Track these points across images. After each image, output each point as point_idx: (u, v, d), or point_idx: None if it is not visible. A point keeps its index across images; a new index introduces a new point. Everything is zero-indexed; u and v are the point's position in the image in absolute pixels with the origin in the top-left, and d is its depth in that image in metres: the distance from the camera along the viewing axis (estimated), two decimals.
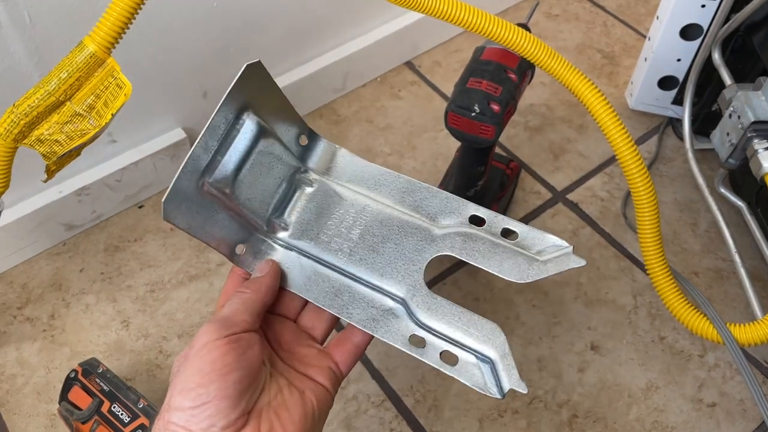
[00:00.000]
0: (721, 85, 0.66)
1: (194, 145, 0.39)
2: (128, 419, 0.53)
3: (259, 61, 0.41)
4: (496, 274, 0.40)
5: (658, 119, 0.83)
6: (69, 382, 0.56)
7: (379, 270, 0.42)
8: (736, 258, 0.65)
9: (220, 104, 0.39)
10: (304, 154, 0.45)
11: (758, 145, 0.61)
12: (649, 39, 0.76)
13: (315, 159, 0.46)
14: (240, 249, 0.42)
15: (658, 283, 0.59)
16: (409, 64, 0.91)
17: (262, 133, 0.42)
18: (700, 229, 0.74)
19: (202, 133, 0.39)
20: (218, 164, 0.40)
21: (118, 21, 0.41)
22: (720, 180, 0.73)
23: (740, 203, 0.70)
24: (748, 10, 0.63)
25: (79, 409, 0.54)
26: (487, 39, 0.54)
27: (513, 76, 0.56)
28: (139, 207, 0.75)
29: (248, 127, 0.41)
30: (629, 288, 0.69)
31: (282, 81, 0.79)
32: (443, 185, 0.71)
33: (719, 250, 0.72)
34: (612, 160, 0.80)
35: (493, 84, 0.55)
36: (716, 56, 0.69)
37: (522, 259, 0.40)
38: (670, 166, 0.79)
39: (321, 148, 0.46)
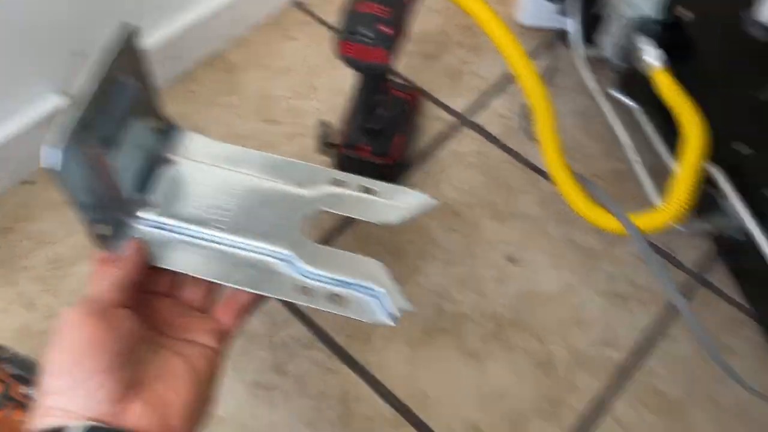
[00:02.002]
0: None
1: (74, 99, 0.37)
2: None
3: (134, 29, 0.41)
4: (366, 219, 0.46)
5: (550, 33, 0.85)
6: None
7: (259, 233, 0.44)
8: (633, 156, 0.68)
9: (97, 57, 0.39)
10: (163, 139, 0.47)
11: (642, 43, 0.63)
12: None
13: (174, 144, 0.47)
14: (105, 230, 0.41)
15: (562, 187, 0.61)
16: (298, 4, 0.88)
17: (136, 102, 0.42)
18: (598, 134, 0.76)
19: (81, 86, 0.38)
20: (98, 123, 0.39)
21: None
22: (612, 84, 0.75)
23: (633, 104, 0.73)
24: None
25: None
26: None
27: None
28: (28, 183, 0.70)
29: (126, 91, 0.41)
30: (538, 198, 0.71)
31: (162, 32, 0.74)
32: (347, 122, 0.70)
33: (618, 152, 0.74)
34: (511, 78, 0.81)
35: (381, 6, 0.54)
36: None
37: (385, 207, 0.47)
38: (565, 77, 0.81)
39: (178, 134, 0.48)
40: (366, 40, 0.54)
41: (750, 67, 0.54)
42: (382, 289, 0.42)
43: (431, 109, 0.78)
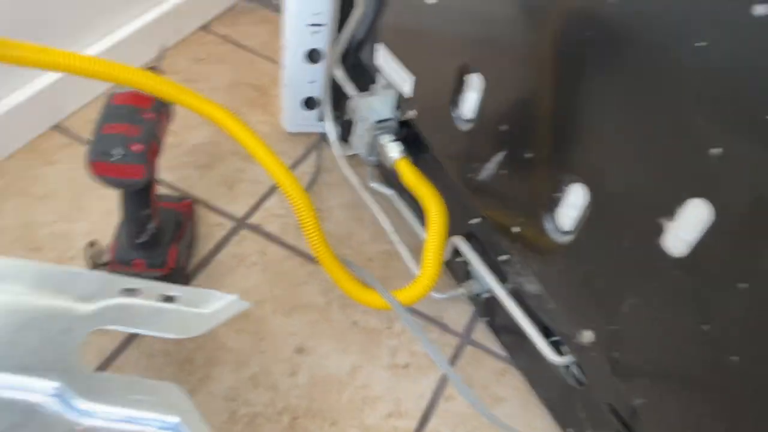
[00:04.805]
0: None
1: None
2: None
3: None
4: (158, 335, 0.41)
5: (313, 137, 0.92)
6: None
7: (18, 363, 0.38)
8: (395, 238, 0.76)
9: None
10: None
11: (383, 139, 0.72)
12: (284, 67, 0.85)
13: None
14: None
15: (333, 275, 0.66)
16: (59, 128, 0.86)
17: None
18: (366, 222, 0.83)
19: None
20: None
21: None
22: (370, 176, 0.84)
23: (389, 191, 0.82)
24: (347, 32, 0.74)
25: None
26: (116, 85, 0.55)
27: (150, 115, 0.58)
28: None
29: None
30: (319, 288, 0.75)
31: None
32: (117, 239, 0.69)
33: (384, 235, 0.82)
34: None
35: (130, 125, 0.56)
36: (338, 73, 0.80)
37: (187, 316, 0.43)
38: (331, 174, 0.88)
39: None
40: (116, 159, 0.55)
41: (459, 152, 0.64)
42: (175, 419, 0.37)
43: (211, 216, 0.80)
